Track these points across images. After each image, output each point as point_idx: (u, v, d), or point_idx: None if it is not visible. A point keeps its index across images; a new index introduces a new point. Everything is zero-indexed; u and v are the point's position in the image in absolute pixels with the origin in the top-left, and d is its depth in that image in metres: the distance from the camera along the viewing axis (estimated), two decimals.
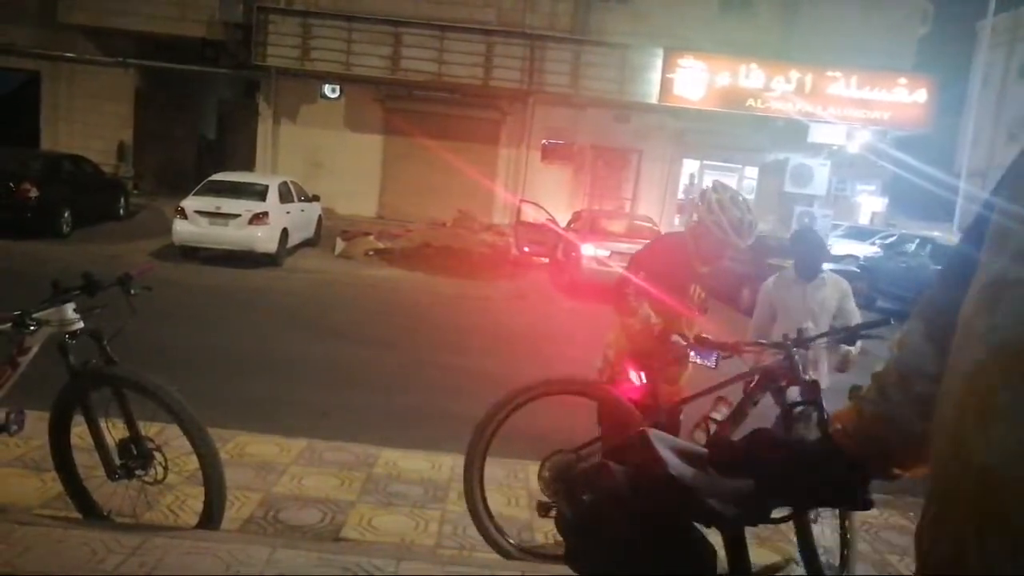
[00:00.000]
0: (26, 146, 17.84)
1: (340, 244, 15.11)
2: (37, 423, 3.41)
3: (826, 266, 4.71)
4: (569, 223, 15.28)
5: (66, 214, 13.53)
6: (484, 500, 3.44)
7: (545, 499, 3.44)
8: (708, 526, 1.20)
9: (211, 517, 3.22)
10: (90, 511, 3.35)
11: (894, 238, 18.60)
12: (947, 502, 0.74)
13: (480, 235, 16.40)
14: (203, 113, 23.21)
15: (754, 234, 3.53)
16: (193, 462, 3.35)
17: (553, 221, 15.18)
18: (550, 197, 17.55)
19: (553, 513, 3.30)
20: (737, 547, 1.25)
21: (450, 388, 6.08)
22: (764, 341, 4.27)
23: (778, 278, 4.60)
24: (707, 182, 7.77)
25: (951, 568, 0.71)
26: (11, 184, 12.67)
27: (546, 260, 14.93)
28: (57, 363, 3.17)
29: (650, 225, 14.27)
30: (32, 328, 3.10)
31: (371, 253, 14.78)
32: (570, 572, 1.26)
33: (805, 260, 4.47)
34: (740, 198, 3.51)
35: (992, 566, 0.66)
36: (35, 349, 3.19)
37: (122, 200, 16.22)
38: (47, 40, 18.58)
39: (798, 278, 4.46)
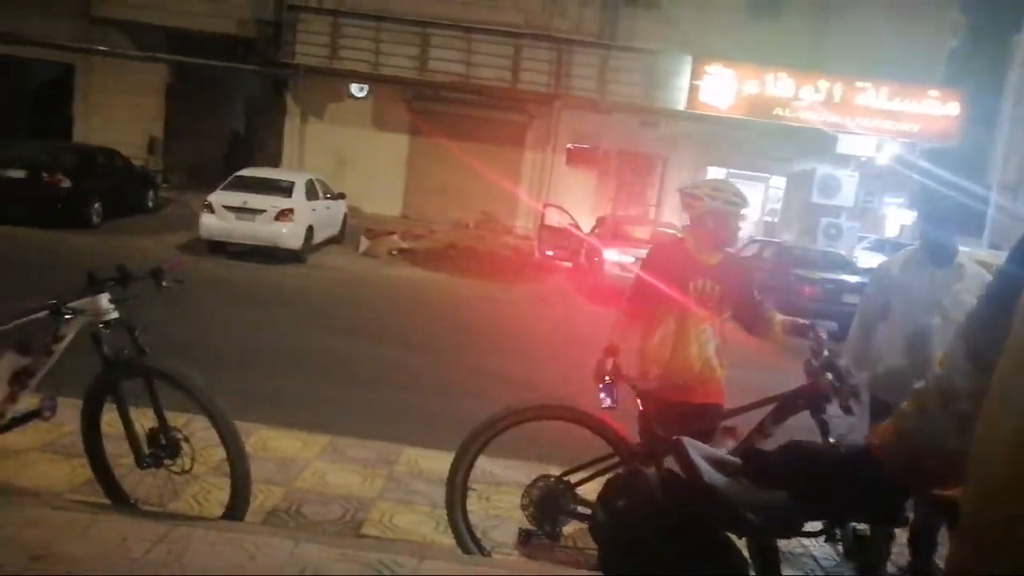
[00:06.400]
0: (60, 138, 18.18)
1: (364, 243, 15.20)
2: (68, 410, 3.47)
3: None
4: (593, 228, 15.24)
5: (96, 205, 13.77)
6: (467, 521, 3.37)
7: (528, 527, 3.31)
8: (740, 536, 1.20)
9: (236, 508, 3.27)
10: (117, 498, 3.41)
11: None
12: (1005, 532, 0.74)
13: (503, 237, 16.43)
14: (232, 109, 23.46)
15: (748, 202, 3.57)
16: (218, 453, 3.40)
17: (576, 226, 15.15)
18: (574, 201, 17.51)
19: (536, 541, 3.28)
20: (768, 558, 1.26)
21: (472, 389, 6.09)
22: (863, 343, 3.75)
23: (901, 259, 3.79)
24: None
25: None
26: (43, 174, 12.93)
27: (569, 264, 14.91)
28: (90, 352, 3.23)
29: (673, 232, 14.20)
30: (67, 317, 3.17)
31: (395, 252, 14.86)
32: None
33: (936, 239, 3.57)
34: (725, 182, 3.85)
35: None
36: (70, 337, 3.25)
37: (151, 193, 16.48)
38: (81, 33, 18.86)
39: (927, 262, 3.59)
